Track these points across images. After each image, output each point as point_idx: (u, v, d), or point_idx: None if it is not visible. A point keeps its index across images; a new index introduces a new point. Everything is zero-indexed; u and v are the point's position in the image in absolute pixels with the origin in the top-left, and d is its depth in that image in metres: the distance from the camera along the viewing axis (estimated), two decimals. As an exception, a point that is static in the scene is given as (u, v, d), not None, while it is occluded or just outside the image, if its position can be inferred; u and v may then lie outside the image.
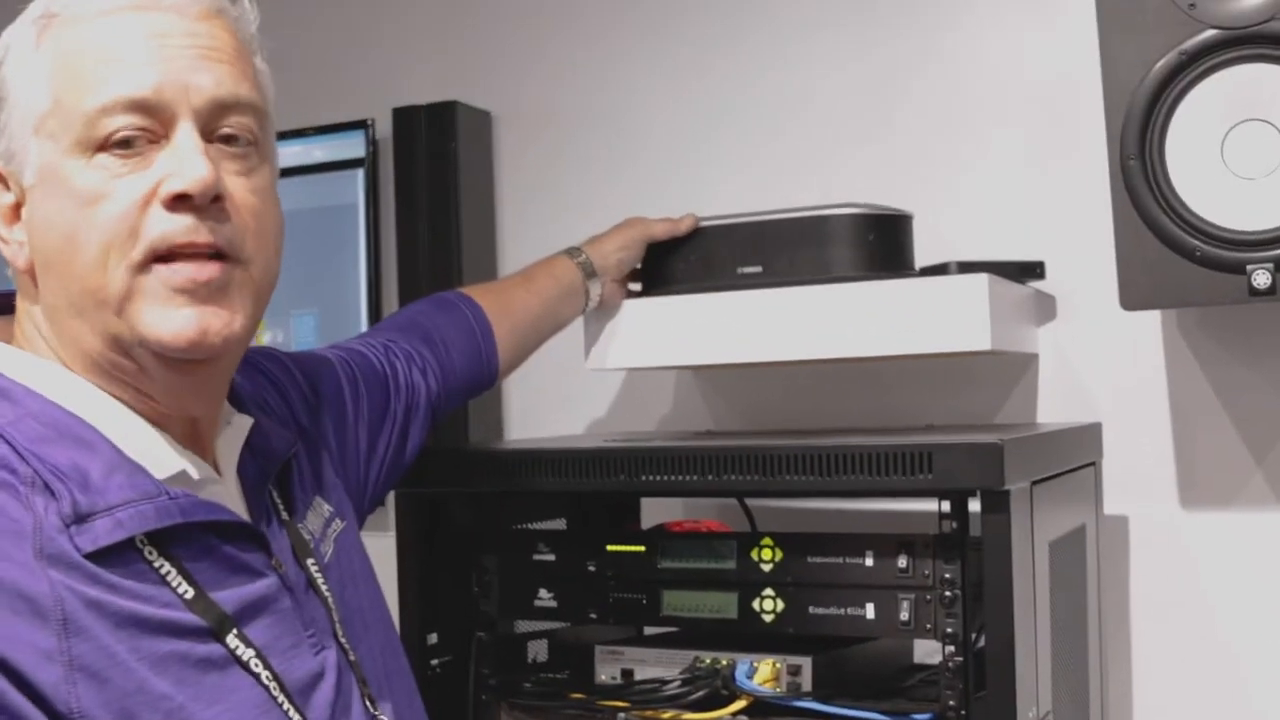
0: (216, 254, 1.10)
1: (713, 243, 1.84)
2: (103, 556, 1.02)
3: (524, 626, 1.77)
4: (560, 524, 1.83)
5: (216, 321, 1.10)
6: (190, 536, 1.09)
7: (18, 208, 1.12)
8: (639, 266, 1.89)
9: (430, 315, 1.65)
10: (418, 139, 2.25)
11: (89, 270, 1.08)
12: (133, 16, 1.10)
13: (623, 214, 1.93)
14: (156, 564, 1.06)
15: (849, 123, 2.08)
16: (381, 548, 1.54)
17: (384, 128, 2.31)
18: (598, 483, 1.54)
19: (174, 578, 1.06)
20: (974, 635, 1.43)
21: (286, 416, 1.32)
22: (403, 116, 2.27)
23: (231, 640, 1.08)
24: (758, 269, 1.80)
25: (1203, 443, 1.87)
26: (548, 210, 2.28)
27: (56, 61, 1.09)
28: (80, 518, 1.02)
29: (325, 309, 2.31)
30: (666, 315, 1.83)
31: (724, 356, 1.80)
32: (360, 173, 2.31)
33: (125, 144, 1.08)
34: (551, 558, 1.64)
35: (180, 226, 1.08)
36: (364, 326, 2.27)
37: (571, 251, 1.82)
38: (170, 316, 1.08)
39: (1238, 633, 1.85)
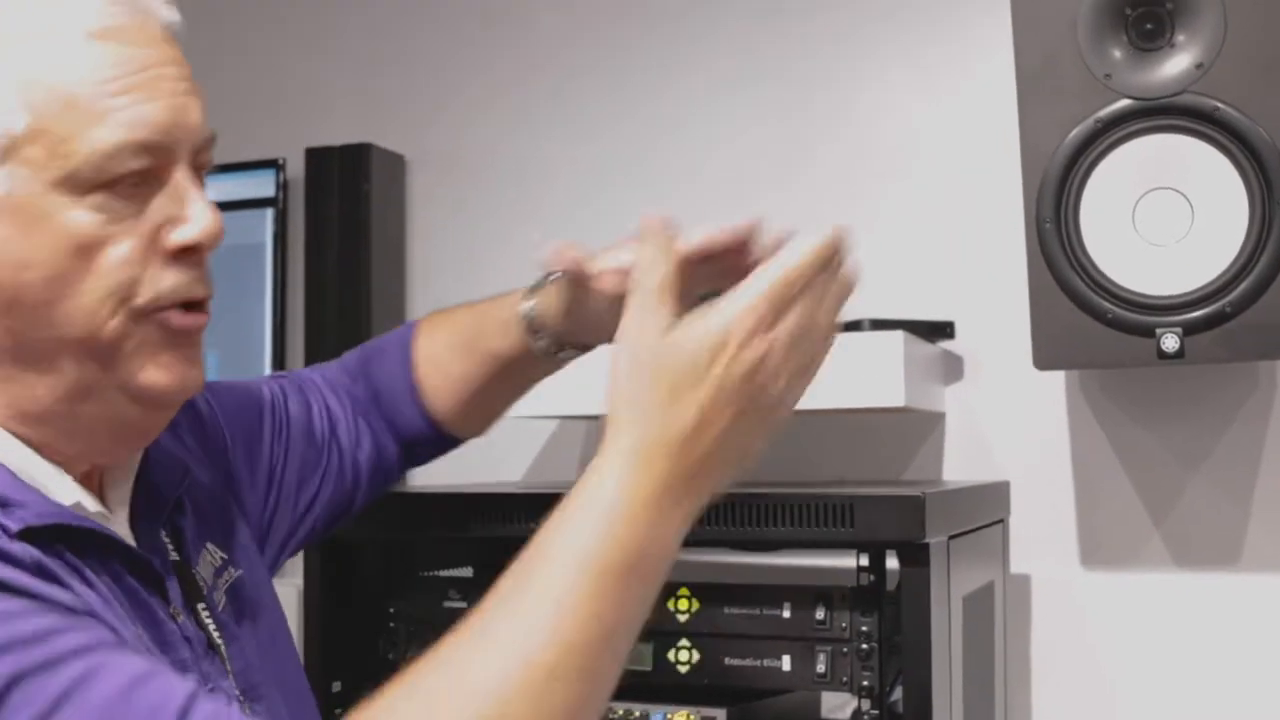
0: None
1: (628, 293, 1.83)
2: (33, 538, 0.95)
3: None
4: (467, 572, 1.80)
5: (194, 370, 1.07)
6: (101, 562, 1.01)
7: None
8: None
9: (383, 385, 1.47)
10: (330, 180, 2.22)
11: (84, 316, 1.00)
12: (123, 48, 1.01)
13: (534, 262, 1.91)
14: (84, 572, 0.99)
15: (764, 177, 2.10)
16: (283, 594, 1.49)
17: (295, 168, 2.28)
18: (501, 529, 1.52)
19: (102, 588, 1.00)
20: (888, 689, 1.43)
21: (178, 447, 1.24)
22: (316, 157, 2.24)
23: None
24: (673, 320, 1.79)
25: (1104, 504, 1.91)
26: (458, 256, 2.27)
27: (30, 79, 0.98)
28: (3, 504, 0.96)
29: (227, 349, 2.26)
30: (576, 365, 1.81)
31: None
32: (269, 212, 2.27)
33: (129, 183, 1.00)
34: (464, 605, 1.61)
35: (191, 280, 1.03)
36: (267, 368, 2.23)
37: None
38: (164, 363, 1.04)
39: (1134, 692, 1.88)
